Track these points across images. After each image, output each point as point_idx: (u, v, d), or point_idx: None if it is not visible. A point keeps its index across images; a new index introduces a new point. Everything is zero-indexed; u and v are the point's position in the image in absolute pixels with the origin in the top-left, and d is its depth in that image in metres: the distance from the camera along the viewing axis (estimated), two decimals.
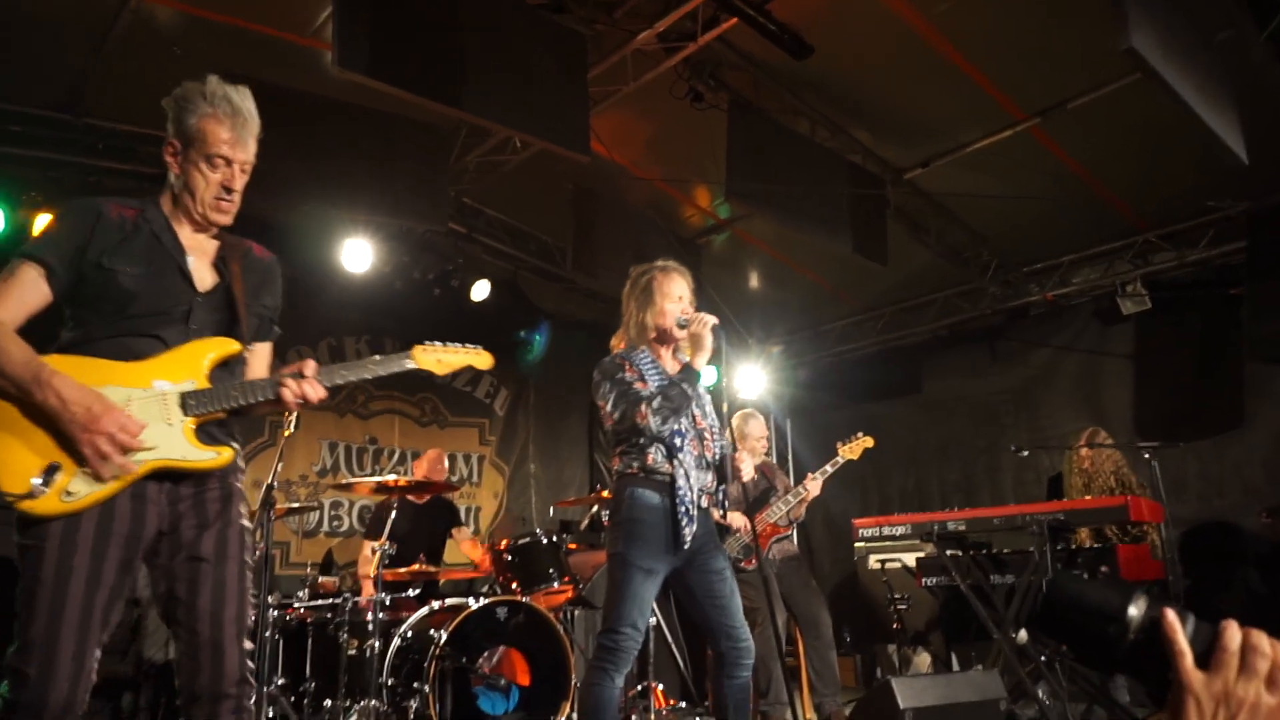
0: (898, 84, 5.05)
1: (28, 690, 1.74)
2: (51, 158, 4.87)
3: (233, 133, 2.04)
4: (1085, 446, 5.36)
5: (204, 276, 2.06)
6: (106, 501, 1.83)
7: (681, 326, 3.04)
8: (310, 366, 2.06)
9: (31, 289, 1.90)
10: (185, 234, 2.07)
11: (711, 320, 2.96)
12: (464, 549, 5.27)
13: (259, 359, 2.18)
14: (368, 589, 4.64)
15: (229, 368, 2.06)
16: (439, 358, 2.33)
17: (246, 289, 2.11)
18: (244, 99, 2.08)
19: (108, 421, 1.79)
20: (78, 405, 1.79)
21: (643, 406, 2.86)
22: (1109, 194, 5.72)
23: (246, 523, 2.06)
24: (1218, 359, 5.82)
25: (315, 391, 2.05)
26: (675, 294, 3.09)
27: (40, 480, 1.77)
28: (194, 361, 1.98)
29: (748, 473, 3.16)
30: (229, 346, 2.04)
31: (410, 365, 2.27)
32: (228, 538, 1.98)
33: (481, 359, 2.42)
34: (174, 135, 2.05)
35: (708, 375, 3.03)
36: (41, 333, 1.94)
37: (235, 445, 2.06)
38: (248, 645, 1.97)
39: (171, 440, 1.91)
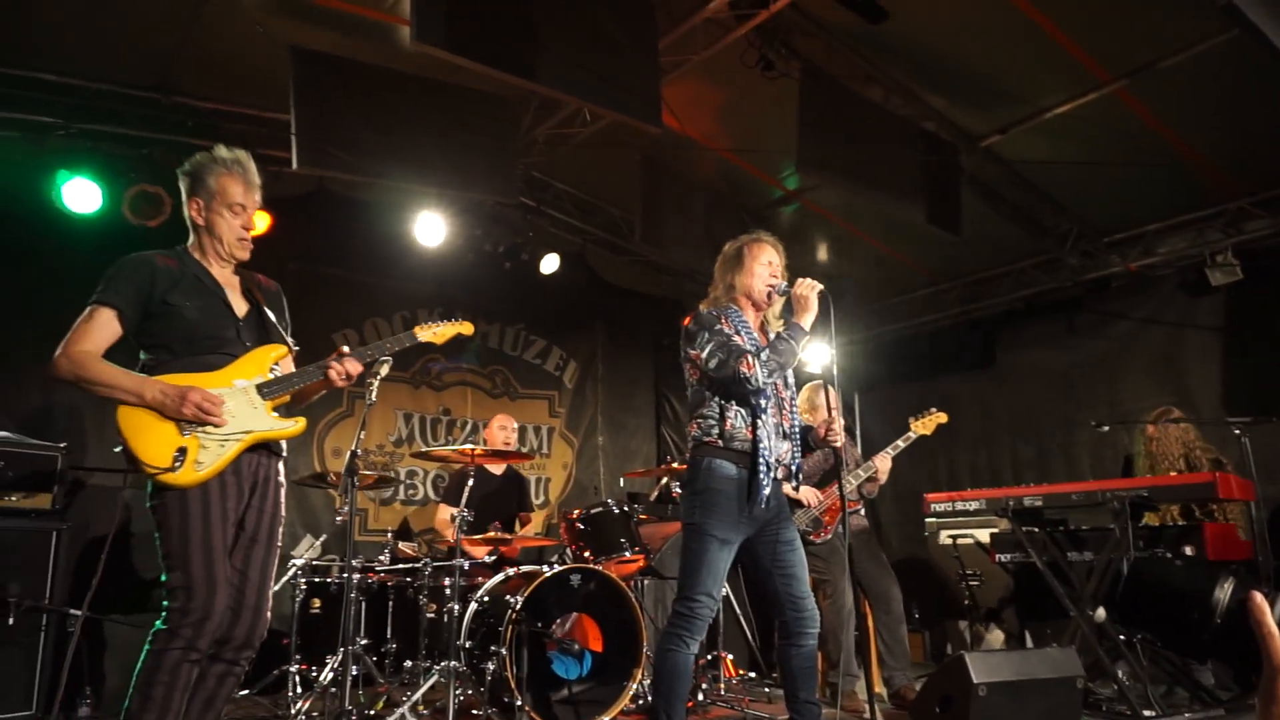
0: (976, 47, 4.89)
1: (196, 598, 2.30)
2: (143, 136, 5.06)
3: (245, 187, 2.61)
4: (1151, 424, 5.20)
5: (239, 305, 2.63)
6: (219, 477, 2.41)
7: (782, 293, 3.06)
8: (345, 349, 2.68)
9: (107, 327, 2.44)
10: (216, 273, 2.62)
11: (818, 285, 2.97)
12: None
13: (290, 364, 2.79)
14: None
15: (281, 366, 2.66)
16: (435, 330, 3.03)
17: (269, 309, 2.71)
18: (249, 161, 2.65)
19: (194, 394, 2.40)
20: (173, 390, 2.39)
21: (749, 358, 2.87)
22: (1199, 158, 5.47)
23: (283, 510, 2.64)
24: None
25: (355, 367, 2.66)
26: (765, 260, 3.12)
27: (177, 458, 2.35)
28: (260, 363, 2.59)
29: (841, 437, 3.18)
30: (282, 350, 2.66)
31: (417, 340, 2.94)
32: (275, 527, 2.58)
33: (465, 327, 3.11)
34: (196, 195, 2.58)
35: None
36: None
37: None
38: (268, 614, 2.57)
39: (259, 418, 2.53)
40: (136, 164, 5.01)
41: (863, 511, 4.98)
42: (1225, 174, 5.62)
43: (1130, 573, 1.09)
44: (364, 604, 4.38)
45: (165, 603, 2.32)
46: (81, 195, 4.97)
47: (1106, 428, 5.34)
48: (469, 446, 4.12)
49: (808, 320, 2.97)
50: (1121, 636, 4.08)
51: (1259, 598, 0.81)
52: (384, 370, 3.63)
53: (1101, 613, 4.11)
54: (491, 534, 4.41)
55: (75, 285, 5.22)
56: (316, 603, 4.50)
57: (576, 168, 6.39)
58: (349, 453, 3.58)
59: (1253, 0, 3.23)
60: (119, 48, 4.78)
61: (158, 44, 4.77)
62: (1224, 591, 0.91)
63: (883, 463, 4.56)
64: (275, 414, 2.57)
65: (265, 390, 2.55)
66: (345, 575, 3.58)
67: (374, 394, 3.62)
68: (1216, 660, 4.08)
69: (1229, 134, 5.21)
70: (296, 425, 2.61)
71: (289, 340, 2.68)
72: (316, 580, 4.51)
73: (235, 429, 2.46)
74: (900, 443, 4.59)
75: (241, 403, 2.49)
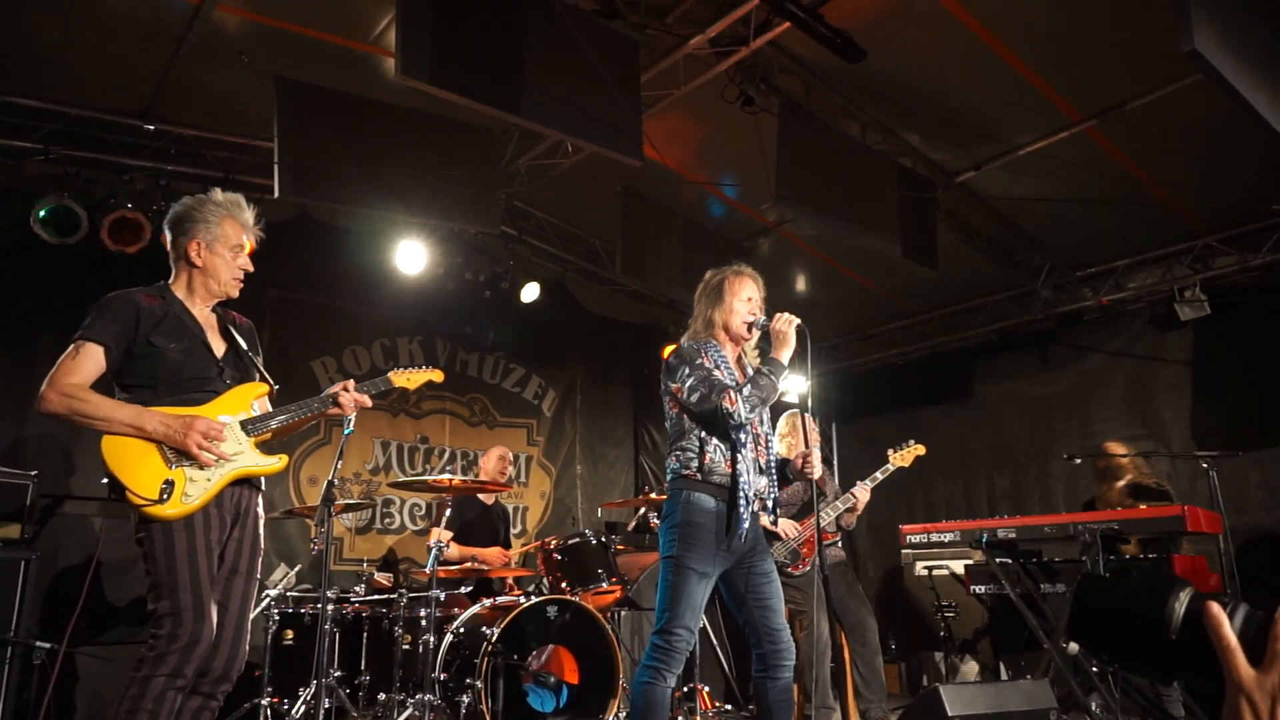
0: (951, 86, 5.01)
1: (184, 625, 2.31)
2: (125, 162, 5.05)
3: (243, 228, 2.70)
4: (1099, 457, 5.38)
5: (218, 345, 2.69)
6: (203, 509, 2.44)
7: (760, 328, 3.08)
8: (351, 384, 2.79)
9: (94, 362, 2.45)
10: (197, 313, 2.67)
11: (795, 320, 2.99)
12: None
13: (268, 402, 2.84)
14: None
15: (260, 404, 2.74)
16: (409, 377, 3.12)
17: (245, 347, 2.78)
18: (245, 202, 2.75)
19: (199, 424, 2.45)
20: (175, 421, 2.43)
21: (731, 393, 2.88)
22: (1168, 196, 5.60)
23: (262, 542, 2.70)
24: None
25: (365, 399, 2.79)
26: (744, 295, 3.14)
27: (164, 490, 2.38)
28: (242, 400, 2.66)
29: (819, 469, 3.19)
30: (263, 388, 2.73)
31: (393, 386, 3.06)
32: (255, 559, 2.63)
33: (436, 375, 3.23)
34: (196, 235, 2.63)
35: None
36: None
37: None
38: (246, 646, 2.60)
39: (245, 454, 2.59)
40: (119, 191, 5.00)
41: (840, 543, 5.00)
42: (1193, 212, 5.75)
43: (1080, 589, 1.01)
44: (338, 635, 4.33)
45: (152, 630, 2.34)
46: (63, 221, 4.92)
47: (1079, 460, 5.41)
48: (447, 476, 4.11)
49: (786, 355, 2.99)
50: (1095, 669, 4.12)
51: (1215, 608, 0.72)
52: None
53: (1074, 645, 4.15)
54: (469, 565, 4.39)
55: (53, 312, 5.19)
56: (290, 634, 4.44)
57: (558, 197, 6.44)
58: (326, 482, 3.57)
59: (1216, 46, 3.33)
60: (101, 74, 4.78)
61: (141, 71, 4.77)
62: (1179, 604, 0.86)
63: (861, 494, 4.56)
64: (258, 450, 2.64)
65: (249, 426, 2.61)
66: (320, 606, 3.56)
67: (353, 422, 3.63)
68: (1179, 679, 4.09)
69: (1196, 173, 5.34)
70: (279, 462, 2.69)
71: (269, 379, 2.74)
72: (290, 611, 4.46)
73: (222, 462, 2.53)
74: (879, 474, 4.61)
75: (228, 437, 2.56)
